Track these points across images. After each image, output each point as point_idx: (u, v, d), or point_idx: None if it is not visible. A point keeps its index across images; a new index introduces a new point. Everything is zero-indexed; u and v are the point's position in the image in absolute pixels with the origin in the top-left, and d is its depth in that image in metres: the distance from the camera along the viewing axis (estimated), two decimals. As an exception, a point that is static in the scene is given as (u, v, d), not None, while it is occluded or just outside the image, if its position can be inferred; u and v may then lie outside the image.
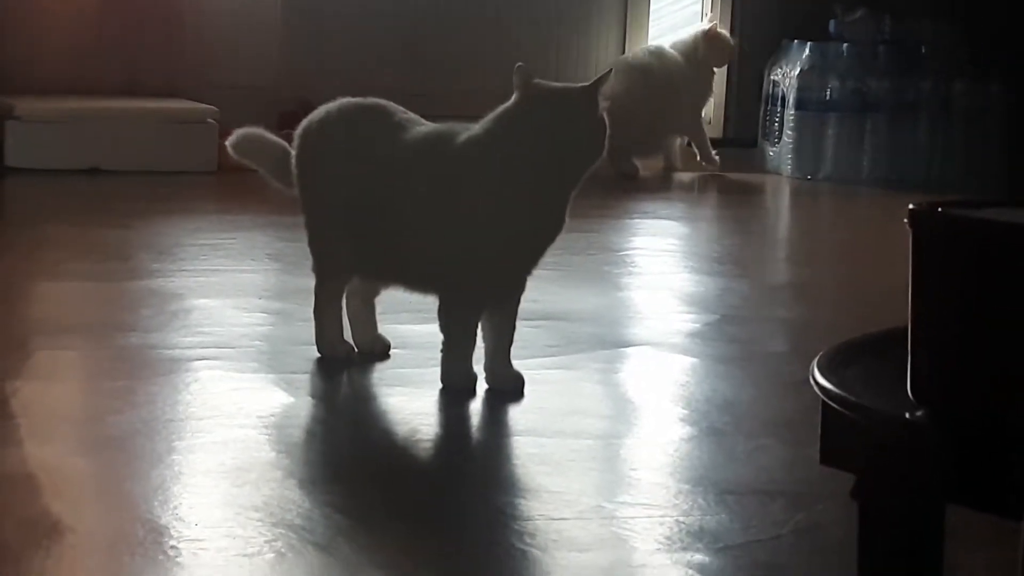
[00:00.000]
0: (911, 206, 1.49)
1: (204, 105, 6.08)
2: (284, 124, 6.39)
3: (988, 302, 1.43)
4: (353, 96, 3.06)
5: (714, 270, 4.46)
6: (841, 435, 1.58)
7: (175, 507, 2.16)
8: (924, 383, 1.52)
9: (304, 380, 2.90)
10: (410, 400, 2.81)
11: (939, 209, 1.49)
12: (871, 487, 1.58)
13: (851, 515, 1.74)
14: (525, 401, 2.80)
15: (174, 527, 2.07)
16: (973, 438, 1.46)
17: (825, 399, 1.57)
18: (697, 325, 3.59)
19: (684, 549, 2.09)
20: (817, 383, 1.59)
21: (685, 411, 2.84)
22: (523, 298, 2.86)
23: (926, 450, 1.49)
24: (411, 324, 3.15)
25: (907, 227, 1.52)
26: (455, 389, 2.81)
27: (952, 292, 1.46)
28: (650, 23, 7.23)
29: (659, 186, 6.41)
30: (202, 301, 3.55)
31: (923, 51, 6.91)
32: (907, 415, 1.51)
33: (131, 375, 2.90)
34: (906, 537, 1.60)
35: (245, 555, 2.00)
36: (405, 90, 6.25)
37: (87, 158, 5.77)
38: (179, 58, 6.42)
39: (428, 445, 2.60)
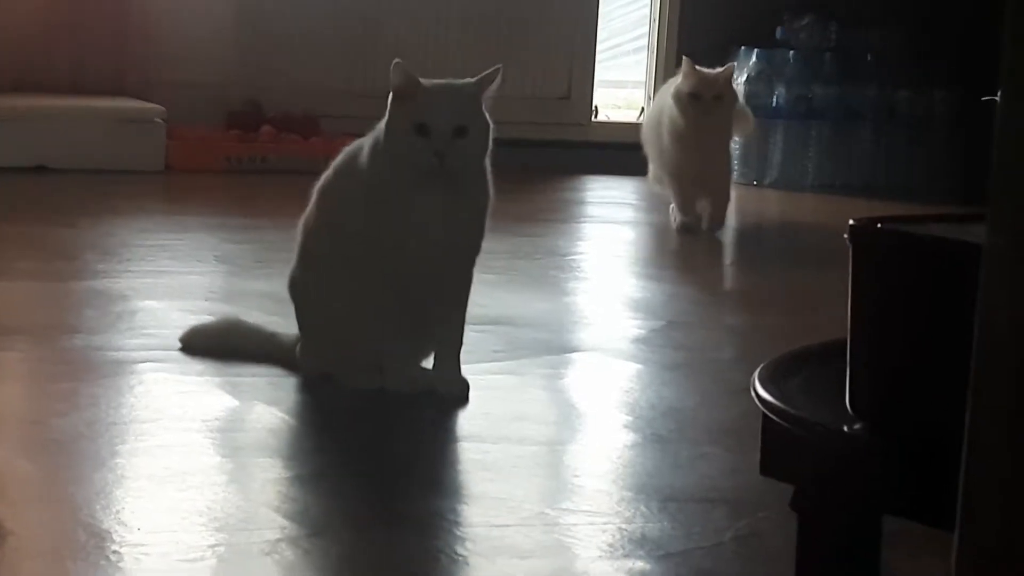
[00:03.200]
0: (851, 221, 1.51)
1: (152, 104, 6.07)
2: (233, 124, 6.41)
3: (925, 317, 1.45)
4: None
5: (661, 276, 4.48)
6: (781, 446, 1.60)
7: (118, 511, 2.16)
8: (862, 396, 1.54)
9: (250, 383, 2.89)
10: (355, 405, 2.81)
11: (879, 225, 1.51)
12: (810, 498, 1.60)
13: (792, 523, 1.76)
14: (470, 406, 2.81)
15: (116, 531, 2.07)
16: (910, 450, 1.48)
17: (765, 410, 1.59)
18: (643, 331, 3.61)
19: (626, 556, 2.10)
20: (758, 394, 1.61)
21: (629, 418, 2.85)
22: (470, 303, 2.87)
23: (864, 462, 1.51)
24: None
25: (847, 242, 1.54)
26: (400, 394, 2.81)
27: (890, 307, 1.48)
28: (598, 26, 7.25)
29: (607, 192, 6.43)
30: (148, 303, 3.54)
31: (869, 58, 6.97)
32: (845, 427, 1.53)
33: (75, 377, 2.89)
34: (844, 547, 1.62)
35: (188, 560, 1.99)
36: (365, 92, 6.28)
37: (33, 156, 5.74)
38: (127, 56, 6.39)
39: (373, 450, 2.60)
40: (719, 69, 5.05)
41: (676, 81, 5.10)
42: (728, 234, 5.33)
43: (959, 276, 1.16)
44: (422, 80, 2.74)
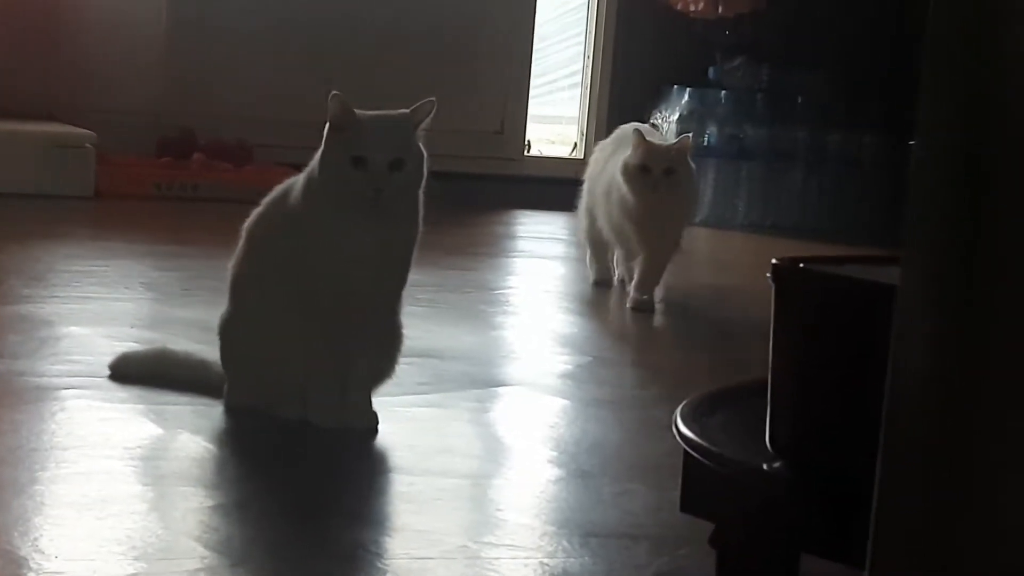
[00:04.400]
0: (773, 261, 1.52)
1: (82, 130, 6.03)
2: (164, 151, 6.38)
3: (843, 357, 1.46)
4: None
5: (589, 312, 4.49)
6: (700, 483, 1.61)
7: (35, 538, 2.14)
8: (782, 434, 1.55)
9: (175, 412, 2.88)
10: (280, 435, 2.80)
11: (800, 265, 1.53)
12: (729, 535, 1.61)
13: (712, 560, 1.77)
14: (394, 438, 2.81)
15: (33, 559, 2.05)
16: (827, 489, 1.50)
17: (686, 447, 1.60)
18: (569, 367, 3.62)
19: (547, 591, 2.10)
20: (678, 431, 1.62)
21: (554, 453, 2.86)
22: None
23: (782, 500, 1.52)
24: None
25: (769, 281, 1.55)
26: (325, 426, 2.81)
27: (810, 346, 1.50)
28: (532, 62, 7.28)
29: (538, 227, 6.45)
30: (73, 329, 3.52)
31: (800, 100, 7.03)
32: (764, 466, 1.54)
33: (-3, 402, 2.86)
34: (761, 585, 1.63)
35: (106, 589, 1.98)
36: (299, 121, 6.27)
37: (-39, 180, 5.69)
38: (57, 81, 6.36)
39: (296, 480, 2.59)
40: (672, 141, 4.58)
41: (616, 144, 4.64)
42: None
43: (875, 316, 1.18)
44: (358, 112, 2.74)
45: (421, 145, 2.75)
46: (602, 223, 4.62)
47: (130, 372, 3.05)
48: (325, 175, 2.73)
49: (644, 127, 4.60)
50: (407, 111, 2.75)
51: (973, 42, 1.04)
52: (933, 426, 1.07)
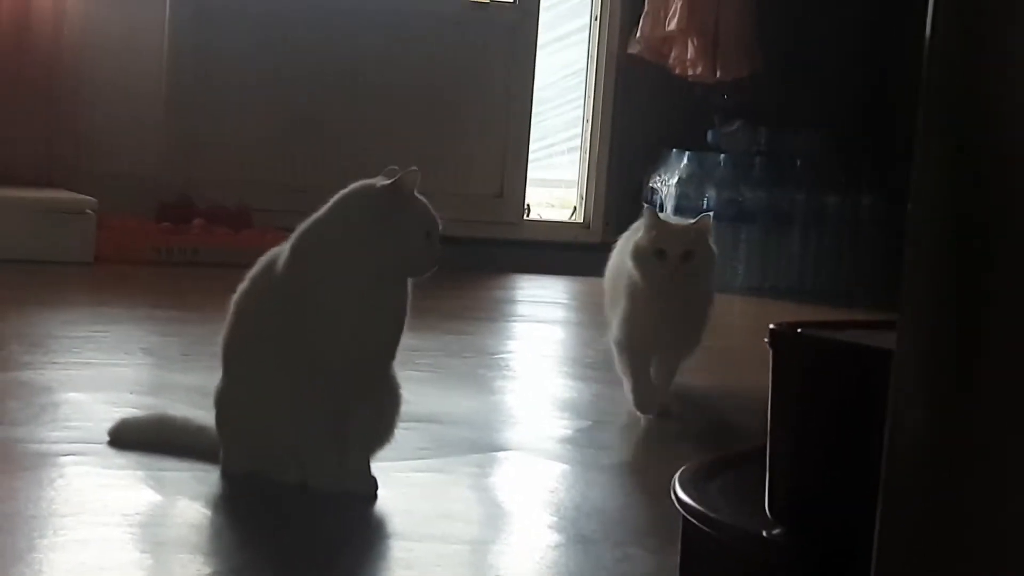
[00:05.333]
0: (771, 326, 1.53)
1: (82, 196, 6.05)
2: (164, 216, 6.40)
3: (842, 422, 1.46)
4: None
5: (588, 375, 4.49)
6: (699, 549, 1.60)
7: (34, 607, 2.13)
8: (781, 500, 1.55)
9: (174, 478, 2.87)
10: (279, 500, 2.79)
11: (798, 330, 1.53)
12: (729, 602, 1.60)
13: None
14: (394, 503, 2.80)
15: (32, 628, 2.04)
16: (827, 555, 1.49)
17: (684, 513, 1.59)
18: (569, 431, 3.61)
19: (547, 658, 2.09)
20: (677, 497, 1.62)
21: (554, 518, 2.85)
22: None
23: (782, 567, 1.52)
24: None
25: (767, 346, 1.55)
26: (323, 490, 2.81)
27: (808, 411, 1.50)
28: (532, 126, 7.31)
29: (537, 291, 6.45)
30: (72, 395, 3.51)
31: (798, 163, 7.06)
32: (764, 532, 1.53)
33: (-5, 469, 2.86)
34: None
35: (103, 658, 1.97)
36: (290, 185, 6.30)
37: (-39, 246, 5.71)
38: (57, 146, 6.38)
39: (295, 546, 2.58)
40: (691, 221, 3.83)
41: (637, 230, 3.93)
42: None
43: (873, 382, 1.17)
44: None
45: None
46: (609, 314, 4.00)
47: (129, 438, 3.05)
48: (392, 249, 2.75)
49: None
50: (388, 182, 2.77)
51: (963, 107, 1.05)
52: (930, 491, 1.07)
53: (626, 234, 4.06)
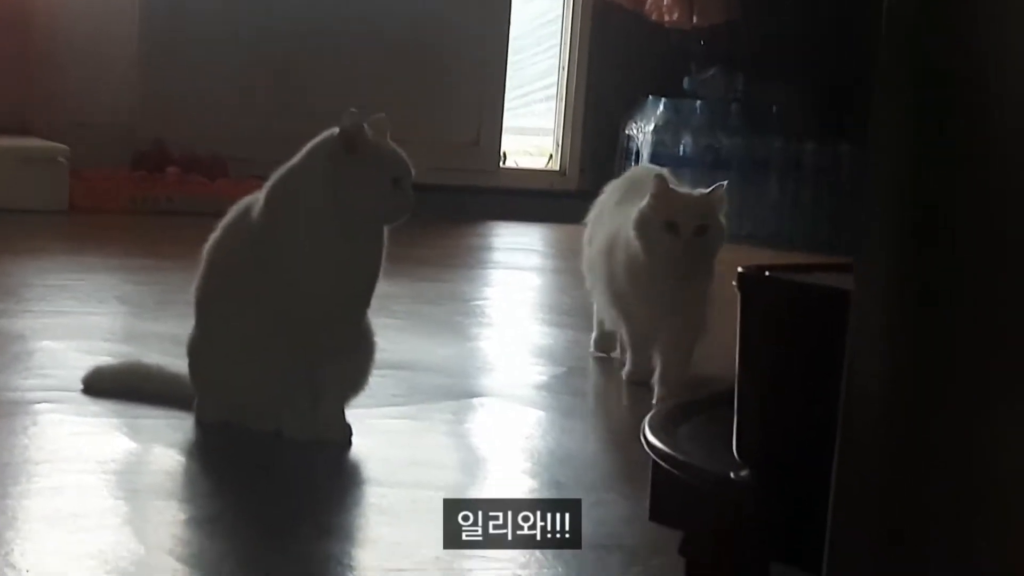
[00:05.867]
0: (740, 269, 1.53)
1: (55, 144, 6.02)
2: (139, 165, 6.37)
3: (808, 365, 1.47)
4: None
5: (563, 322, 4.49)
6: (669, 493, 1.61)
7: (6, 553, 2.13)
8: (749, 443, 1.55)
9: (149, 425, 2.87)
10: (254, 448, 2.80)
11: (766, 273, 1.53)
12: (697, 544, 1.61)
13: (680, 568, 1.77)
14: (368, 450, 2.81)
15: (5, 574, 2.04)
16: (795, 497, 1.50)
17: (654, 457, 1.60)
18: (544, 377, 3.62)
19: (520, 601, 2.10)
20: (647, 441, 1.62)
21: (528, 464, 2.86)
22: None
23: (750, 509, 1.52)
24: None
25: (736, 289, 1.56)
26: (298, 438, 2.81)
27: (775, 354, 1.50)
28: (507, 74, 7.30)
29: (514, 238, 6.45)
30: (46, 343, 3.51)
31: (774, 110, 7.05)
32: (732, 474, 1.54)
33: (-31, 417, 2.86)
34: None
35: (77, 603, 1.98)
36: (272, 135, 6.27)
37: (-66, 195, 5.68)
38: (31, 95, 6.34)
39: (270, 493, 2.59)
40: (703, 190, 3.45)
41: (627, 187, 3.72)
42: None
43: (839, 323, 1.18)
44: (381, 141, 2.76)
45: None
46: (597, 287, 3.69)
47: (103, 386, 3.05)
48: (353, 198, 2.73)
49: (666, 172, 3.50)
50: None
51: (921, 48, 1.05)
52: (887, 432, 1.08)
53: (609, 189, 3.81)
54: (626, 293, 3.51)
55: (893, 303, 1.07)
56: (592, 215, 3.81)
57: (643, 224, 3.37)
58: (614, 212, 3.65)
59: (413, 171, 2.77)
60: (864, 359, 1.08)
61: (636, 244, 3.40)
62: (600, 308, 3.75)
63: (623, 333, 3.63)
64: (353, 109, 2.75)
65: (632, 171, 3.94)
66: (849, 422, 1.09)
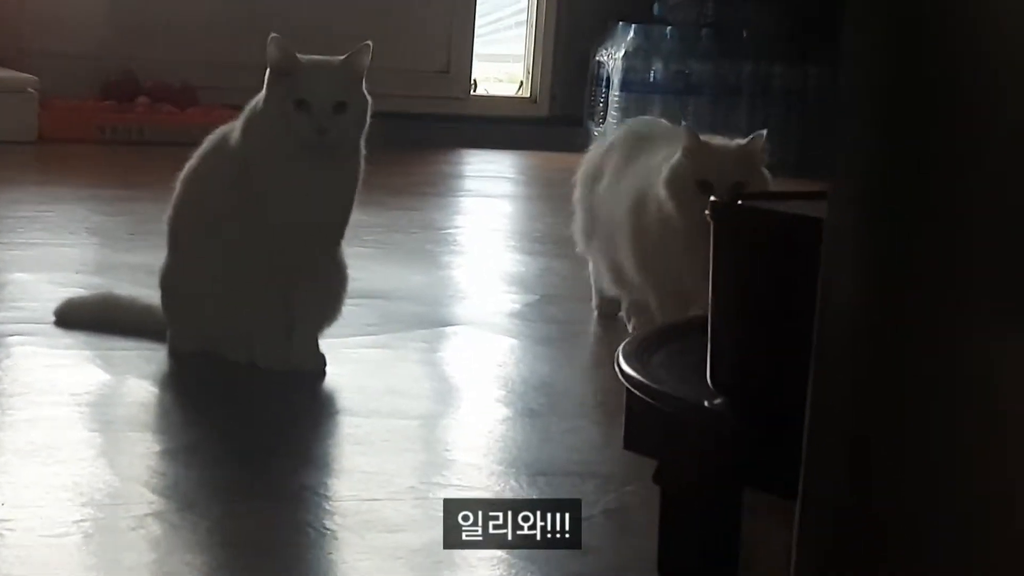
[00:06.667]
0: (712, 198, 1.53)
1: (23, 74, 5.97)
2: (108, 94, 6.33)
3: (779, 292, 1.47)
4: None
5: (536, 250, 4.50)
6: (643, 421, 1.62)
7: (-18, 486, 2.14)
8: (722, 371, 1.56)
9: (122, 357, 2.87)
10: (228, 379, 2.80)
11: (738, 202, 1.53)
12: (671, 472, 1.62)
13: (655, 496, 1.78)
14: (342, 380, 2.81)
15: (-19, 507, 2.05)
16: (767, 424, 1.51)
17: (628, 385, 1.61)
18: (517, 305, 3.63)
19: (495, 529, 2.11)
20: (621, 370, 1.63)
21: (502, 392, 2.87)
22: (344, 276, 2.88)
23: (723, 436, 1.53)
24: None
25: (708, 219, 1.56)
26: (271, 369, 2.82)
27: (747, 282, 1.51)
28: (477, 0, 7.25)
29: (485, 165, 6.44)
30: (17, 275, 3.50)
31: (744, 35, 7.03)
32: (706, 402, 1.55)
33: (-59, 351, 2.85)
34: (705, 519, 1.65)
35: (53, 535, 1.98)
36: (242, 63, 6.23)
37: (-99, 125, 5.64)
38: (-2, 25, 6.29)
39: (244, 424, 2.60)
40: (739, 141, 3.09)
41: (630, 146, 3.32)
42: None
43: (810, 251, 1.18)
44: (300, 55, 2.74)
45: (364, 91, 2.75)
46: (601, 252, 3.38)
47: (75, 318, 3.04)
48: (268, 118, 2.74)
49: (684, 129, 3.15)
50: (345, 56, 2.75)
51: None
52: (860, 362, 1.08)
53: (602, 149, 3.43)
54: (659, 256, 3.14)
55: (868, 230, 1.07)
56: (583, 176, 3.47)
57: (674, 183, 3.01)
58: (624, 171, 3.28)
59: (337, 98, 2.71)
60: (838, 282, 1.09)
61: (669, 204, 3.03)
62: (600, 273, 3.44)
63: (651, 300, 3.23)
64: (273, 35, 2.73)
65: (630, 125, 3.49)
66: (823, 352, 1.10)
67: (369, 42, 2.75)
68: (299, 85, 2.72)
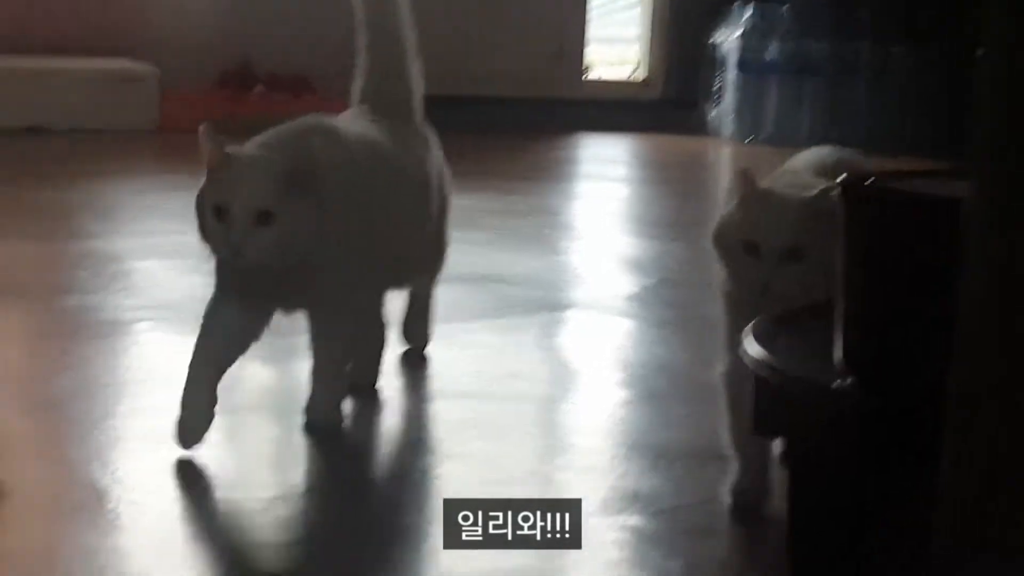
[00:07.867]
0: (842, 178, 1.52)
1: (145, 64, 6.05)
2: (225, 84, 6.40)
3: (912, 273, 1.46)
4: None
5: (653, 233, 4.48)
6: (771, 403, 1.61)
7: (114, 471, 2.17)
8: (851, 352, 1.54)
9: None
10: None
11: (867, 182, 1.52)
12: (800, 454, 1.61)
13: (782, 479, 1.77)
14: (460, 364, 2.82)
15: (114, 490, 2.08)
16: (898, 406, 1.49)
17: (755, 368, 1.60)
18: (635, 288, 3.62)
19: (619, 512, 2.11)
20: (747, 352, 1.62)
21: (622, 375, 2.86)
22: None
23: (853, 420, 1.52)
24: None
25: (838, 199, 1.54)
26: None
27: (879, 263, 1.49)
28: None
29: (599, 150, 6.43)
30: (141, 263, 3.55)
31: (862, 12, 6.96)
32: (834, 384, 1.54)
33: (69, 337, 2.90)
34: (834, 502, 1.63)
35: (184, 519, 2.01)
36: (349, 50, 6.26)
37: (26, 117, 5.73)
38: (120, 16, 6.37)
39: (361, 410, 2.61)
40: (807, 194, 2.20)
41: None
42: (720, 191, 5.34)
43: (945, 231, 1.17)
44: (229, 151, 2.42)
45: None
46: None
47: None
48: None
49: (814, 159, 2.54)
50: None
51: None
52: (1008, 337, 1.07)
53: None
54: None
55: (1011, 206, 1.05)
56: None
57: (720, 240, 2.26)
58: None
59: (255, 202, 2.38)
60: (981, 264, 1.07)
61: (722, 266, 2.29)
62: None
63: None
64: (201, 126, 2.40)
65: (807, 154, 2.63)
66: (968, 327, 1.08)
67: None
68: (206, 191, 2.43)
